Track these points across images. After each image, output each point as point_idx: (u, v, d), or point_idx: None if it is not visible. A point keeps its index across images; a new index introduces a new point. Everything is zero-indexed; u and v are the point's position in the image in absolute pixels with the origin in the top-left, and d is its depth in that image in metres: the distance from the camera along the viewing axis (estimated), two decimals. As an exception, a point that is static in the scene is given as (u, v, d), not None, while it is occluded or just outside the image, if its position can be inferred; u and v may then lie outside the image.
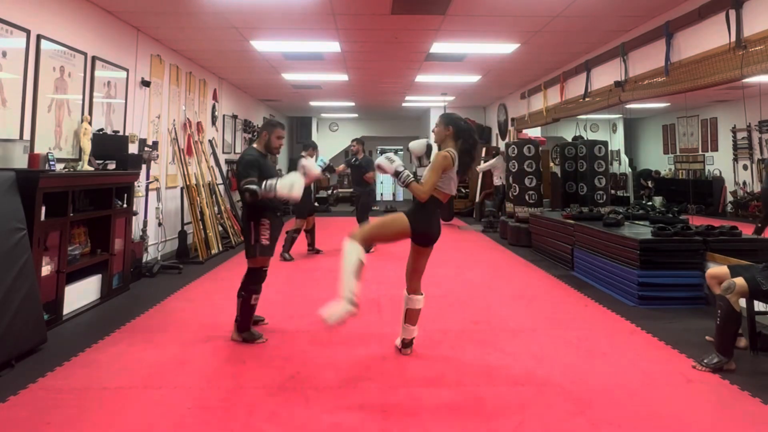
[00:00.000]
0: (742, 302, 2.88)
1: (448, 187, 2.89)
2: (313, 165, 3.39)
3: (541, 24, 5.07)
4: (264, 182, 3.02)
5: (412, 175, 2.90)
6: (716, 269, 3.13)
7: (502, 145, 9.95)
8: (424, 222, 2.87)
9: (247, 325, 3.19)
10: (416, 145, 3.12)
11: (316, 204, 9.09)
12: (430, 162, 2.90)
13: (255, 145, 3.35)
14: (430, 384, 2.60)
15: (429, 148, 3.10)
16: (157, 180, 5.59)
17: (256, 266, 3.19)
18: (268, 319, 3.59)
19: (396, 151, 16.64)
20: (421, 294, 3.03)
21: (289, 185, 3.02)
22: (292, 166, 6.25)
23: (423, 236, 2.89)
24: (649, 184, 9.56)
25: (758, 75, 3.53)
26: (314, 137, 13.74)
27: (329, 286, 4.68)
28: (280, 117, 13.35)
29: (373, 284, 4.74)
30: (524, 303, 4.12)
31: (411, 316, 3.00)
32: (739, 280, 2.78)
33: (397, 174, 2.90)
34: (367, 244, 2.79)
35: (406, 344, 3.01)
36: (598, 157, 7.08)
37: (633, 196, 9.26)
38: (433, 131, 3.04)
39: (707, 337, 3.22)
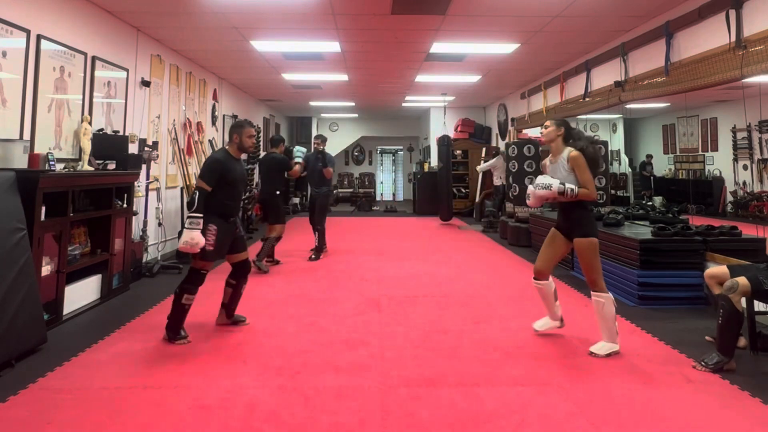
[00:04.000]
0: (744, 302, 2.88)
1: None
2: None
3: (541, 24, 5.07)
4: (202, 218, 3.05)
5: (575, 187, 3.02)
6: (715, 269, 3.12)
7: (502, 145, 9.95)
8: (593, 220, 3.16)
9: (178, 325, 3.18)
10: (547, 183, 3.14)
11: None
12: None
13: (227, 147, 3.36)
14: (430, 384, 2.60)
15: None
16: (157, 180, 5.59)
17: (196, 267, 3.19)
18: (269, 320, 3.59)
19: (396, 152, 16.70)
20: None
21: (191, 242, 3.02)
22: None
23: (596, 229, 3.15)
24: (647, 169, 9.59)
25: (758, 75, 3.53)
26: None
27: (330, 285, 4.69)
28: (280, 117, 13.34)
29: (373, 284, 4.75)
30: (524, 303, 4.12)
31: (555, 294, 3.33)
32: (742, 280, 2.77)
33: (561, 192, 3.02)
34: (603, 285, 3.05)
35: (562, 318, 3.35)
36: (598, 157, 7.07)
37: (633, 196, 9.25)
38: (541, 132, 3.30)
39: (707, 337, 3.22)
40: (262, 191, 5.65)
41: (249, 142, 3.33)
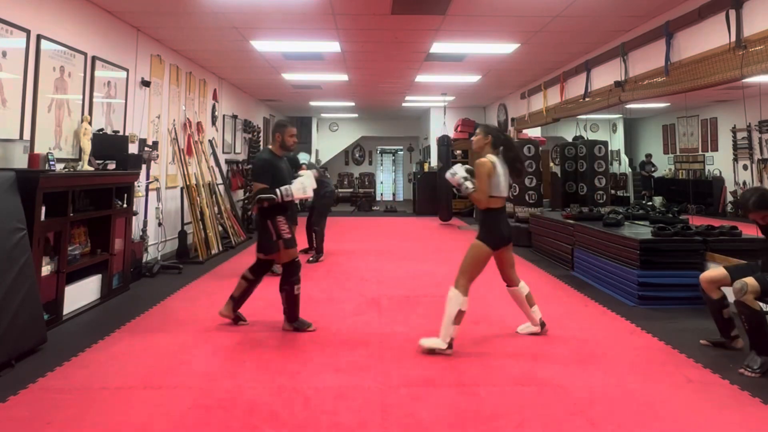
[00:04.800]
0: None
1: (498, 190, 3.10)
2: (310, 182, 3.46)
3: (541, 24, 5.07)
4: (278, 189, 3.26)
5: (471, 186, 3.11)
6: (712, 272, 3.09)
7: (502, 145, 9.95)
8: (495, 231, 3.10)
9: (296, 315, 3.40)
10: (454, 171, 3.24)
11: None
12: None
13: (270, 147, 3.54)
14: (430, 384, 2.60)
15: (469, 171, 3.26)
16: (157, 180, 5.59)
17: (288, 259, 3.36)
18: (269, 320, 3.59)
19: (396, 152, 16.70)
20: (521, 281, 3.36)
21: (302, 187, 3.32)
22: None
23: (499, 242, 3.12)
24: (647, 168, 9.61)
25: (758, 75, 3.53)
26: (314, 137, 13.75)
27: (330, 285, 4.69)
28: (280, 117, 13.36)
29: (373, 284, 4.75)
30: (524, 303, 4.12)
31: (530, 299, 3.34)
32: (750, 280, 2.72)
33: (459, 186, 3.16)
34: (468, 288, 3.06)
35: (543, 323, 3.35)
36: (598, 157, 7.08)
37: (633, 196, 9.26)
38: (471, 140, 3.40)
39: (702, 341, 3.19)
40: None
41: (291, 141, 3.51)
